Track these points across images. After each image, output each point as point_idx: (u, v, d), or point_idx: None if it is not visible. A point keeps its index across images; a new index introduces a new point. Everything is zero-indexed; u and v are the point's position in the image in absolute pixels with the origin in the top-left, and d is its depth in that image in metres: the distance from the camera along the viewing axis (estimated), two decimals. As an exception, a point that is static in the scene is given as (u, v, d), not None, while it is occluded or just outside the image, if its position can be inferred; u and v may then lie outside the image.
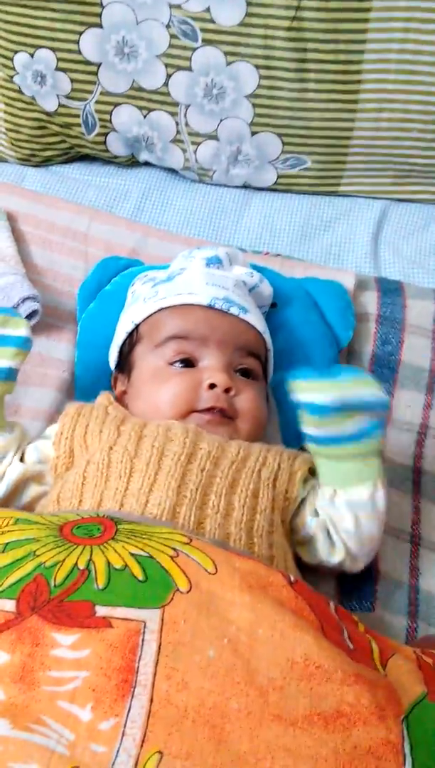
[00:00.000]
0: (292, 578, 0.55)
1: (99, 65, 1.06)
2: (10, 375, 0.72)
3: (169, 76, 1.06)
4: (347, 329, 0.93)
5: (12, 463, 0.71)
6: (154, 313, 0.78)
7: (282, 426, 0.84)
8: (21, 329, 0.72)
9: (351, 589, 0.76)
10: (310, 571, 0.74)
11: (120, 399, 0.79)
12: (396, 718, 0.49)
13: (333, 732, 0.46)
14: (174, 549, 0.53)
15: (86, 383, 0.87)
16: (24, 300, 0.86)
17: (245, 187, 1.18)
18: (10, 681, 0.45)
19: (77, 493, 0.66)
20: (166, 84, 1.07)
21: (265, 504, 0.66)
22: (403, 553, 0.79)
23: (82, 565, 0.51)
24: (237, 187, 1.18)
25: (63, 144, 1.15)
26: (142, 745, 0.43)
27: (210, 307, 0.76)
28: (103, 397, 0.77)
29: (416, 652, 0.58)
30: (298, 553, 0.73)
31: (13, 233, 0.97)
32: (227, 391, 0.72)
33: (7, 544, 0.53)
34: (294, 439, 0.84)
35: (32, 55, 1.07)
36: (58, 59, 1.06)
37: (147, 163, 1.19)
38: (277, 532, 0.67)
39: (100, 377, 0.86)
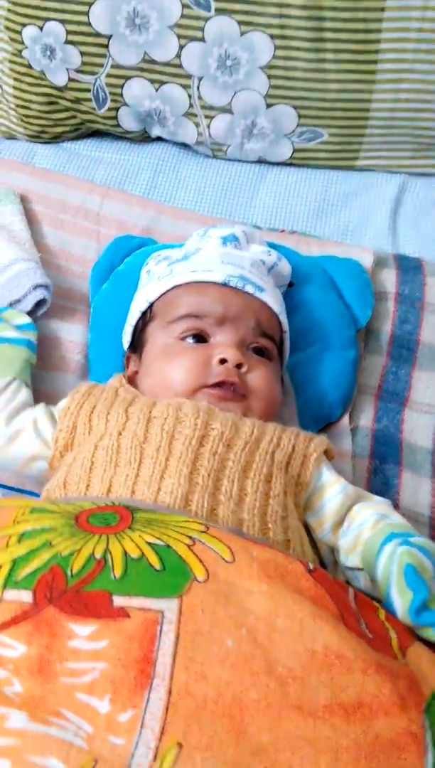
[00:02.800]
0: (311, 566, 0.54)
1: (109, 37, 1.04)
2: (31, 346, 0.81)
3: (181, 47, 1.03)
4: (366, 308, 0.91)
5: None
6: (168, 290, 0.76)
7: (299, 409, 0.82)
8: (22, 318, 0.83)
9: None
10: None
11: (132, 379, 0.78)
12: (417, 708, 0.48)
13: (354, 723, 0.45)
14: (190, 537, 0.52)
15: (100, 366, 0.86)
16: (35, 288, 0.84)
17: (260, 162, 1.15)
18: (27, 673, 0.45)
19: (85, 478, 0.65)
20: (178, 56, 1.04)
21: (278, 489, 0.65)
22: (422, 537, 0.78)
23: (98, 555, 0.50)
24: (252, 162, 1.15)
25: (73, 119, 1.13)
26: (161, 737, 0.42)
27: (225, 285, 0.74)
28: (115, 379, 0.76)
29: None
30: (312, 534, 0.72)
31: (26, 214, 0.96)
32: (239, 367, 0.71)
33: (23, 534, 0.52)
34: (311, 423, 0.83)
35: (41, 28, 1.04)
36: (68, 32, 1.03)
37: (159, 138, 1.16)
38: (292, 516, 0.66)
39: (114, 360, 0.85)
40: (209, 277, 0.75)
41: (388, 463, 0.84)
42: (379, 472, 0.84)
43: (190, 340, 0.73)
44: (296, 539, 0.65)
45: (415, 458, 0.85)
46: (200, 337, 0.73)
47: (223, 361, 0.70)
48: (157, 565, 0.49)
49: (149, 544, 0.51)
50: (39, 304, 0.87)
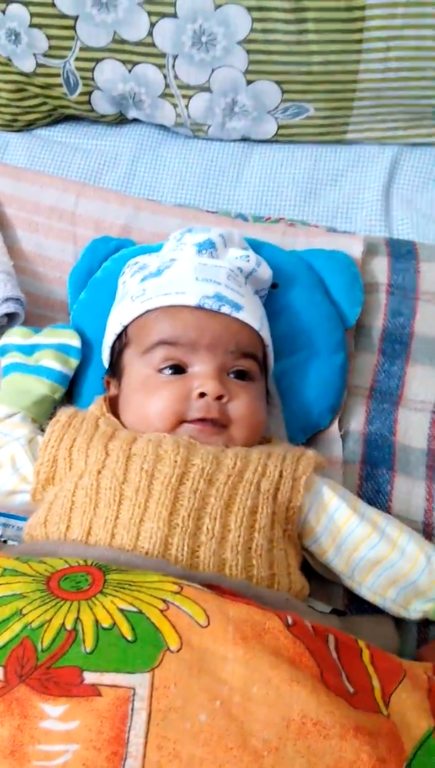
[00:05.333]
0: (289, 620, 0.53)
1: (76, 18, 0.97)
2: (63, 379, 0.79)
3: (152, 24, 0.97)
4: (354, 306, 0.87)
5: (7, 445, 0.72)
6: (142, 314, 0.73)
7: (286, 420, 0.80)
8: (75, 340, 0.81)
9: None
10: (320, 575, 0.73)
11: (113, 402, 0.76)
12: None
13: (331, 791, 0.45)
14: (164, 601, 0.51)
15: (83, 380, 0.84)
16: (5, 301, 0.81)
17: (244, 140, 1.09)
18: (0, 756, 0.45)
19: (65, 518, 0.64)
20: (150, 34, 0.97)
21: (264, 521, 0.64)
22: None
23: (69, 625, 0.49)
24: (235, 141, 1.10)
25: (45, 106, 1.07)
26: None
27: (199, 308, 0.71)
28: (96, 405, 0.74)
29: (428, 674, 0.56)
30: (309, 560, 0.71)
31: (-3, 217, 0.92)
32: (220, 398, 0.69)
33: (-7, 600, 0.51)
34: (299, 433, 0.81)
35: (3, 12, 0.98)
36: (32, 14, 0.97)
37: (137, 120, 1.10)
38: (278, 547, 0.65)
39: (97, 375, 0.82)
40: (182, 301, 0.71)
41: (380, 468, 0.82)
42: (371, 478, 0.82)
43: (167, 372, 0.70)
44: (282, 571, 0.64)
45: (409, 460, 0.83)
46: (178, 368, 0.70)
47: (202, 395, 0.68)
48: (129, 635, 0.49)
49: (121, 610, 0.50)
50: (12, 317, 0.84)
